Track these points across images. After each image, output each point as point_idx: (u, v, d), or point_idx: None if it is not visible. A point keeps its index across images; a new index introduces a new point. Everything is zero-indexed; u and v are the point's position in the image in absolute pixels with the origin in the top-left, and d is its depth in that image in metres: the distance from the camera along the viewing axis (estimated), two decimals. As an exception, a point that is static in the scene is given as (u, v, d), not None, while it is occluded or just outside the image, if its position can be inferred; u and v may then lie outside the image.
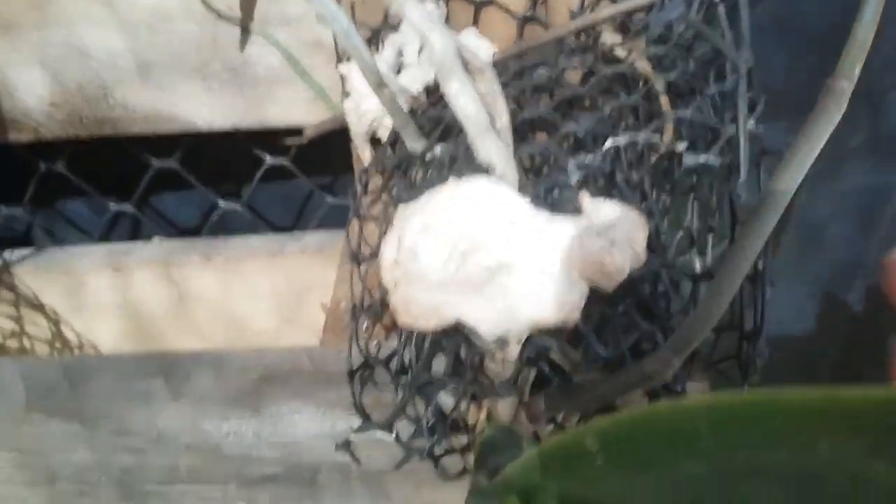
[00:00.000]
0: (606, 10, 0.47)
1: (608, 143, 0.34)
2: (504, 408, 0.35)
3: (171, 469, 0.44)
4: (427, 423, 0.36)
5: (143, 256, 0.63)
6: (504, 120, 0.35)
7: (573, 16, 0.49)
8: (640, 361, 0.30)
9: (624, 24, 0.47)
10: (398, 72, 0.51)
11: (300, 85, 0.56)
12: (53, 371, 0.44)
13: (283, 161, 0.63)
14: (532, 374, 0.36)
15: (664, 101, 0.40)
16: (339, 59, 0.53)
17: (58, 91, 0.55)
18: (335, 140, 0.59)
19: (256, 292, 0.63)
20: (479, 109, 0.34)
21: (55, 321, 0.65)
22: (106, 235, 0.68)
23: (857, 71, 0.30)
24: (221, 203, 0.65)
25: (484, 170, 0.34)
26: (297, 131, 0.58)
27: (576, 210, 0.34)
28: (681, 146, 0.33)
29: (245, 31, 0.54)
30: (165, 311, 0.63)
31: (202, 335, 0.63)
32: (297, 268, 0.64)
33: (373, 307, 0.42)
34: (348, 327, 0.42)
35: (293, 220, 0.69)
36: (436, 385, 0.35)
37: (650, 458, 0.25)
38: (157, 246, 0.65)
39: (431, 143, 0.42)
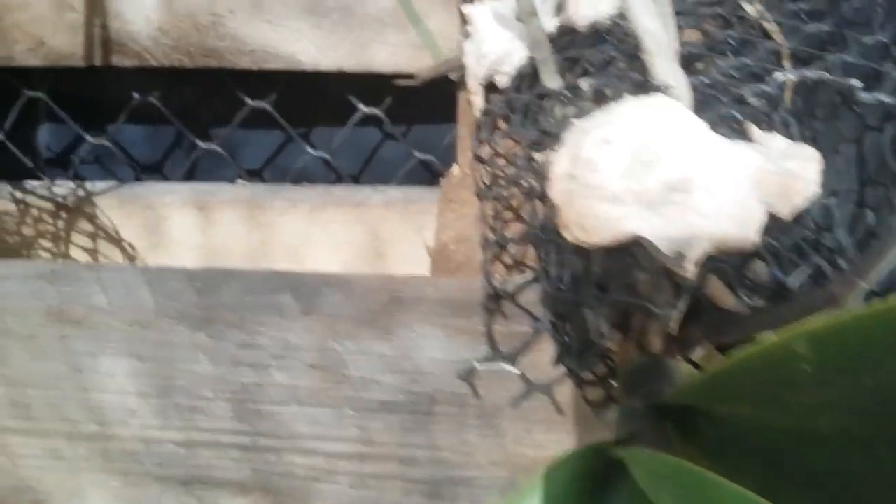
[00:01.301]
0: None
1: (779, 76, 0.34)
2: (656, 335, 0.35)
3: (291, 389, 0.43)
4: (575, 345, 0.36)
5: (228, 197, 0.62)
6: (676, 45, 0.35)
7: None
8: (823, 285, 0.30)
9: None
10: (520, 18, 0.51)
11: (410, 30, 0.56)
12: (180, 279, 0.43)
13: (376, 111, 0.63)
14: (687, 301, 0.35)
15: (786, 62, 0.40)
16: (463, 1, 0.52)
17: (168, 16, 0.55)
18: (429, 92, 0.58)
19: (337, 242, 0.63)
20: (662, 26, 0.33)
21: (131, 257, 0.64)
22: (187, 174, 0.67)
23: None
24: (310, 149, 0.65)
25: (654, 89, 0.34)
26: (398, 78, 0.58)
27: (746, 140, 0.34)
28: (856, 83, 0.33)
29: (361, -30, 0.54)
30: (244, 255, 0.63)
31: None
32: (378, 221, 0.64)
33: (499, 242, 0.42)
34: (482, 261, 0.42)
35: (378, 173, 0.68)
36: (591, 303, 0.34)
37: (874, 358, 0.24)
38: (243, 188, 0.64)
39: (573, 80, 0.42)
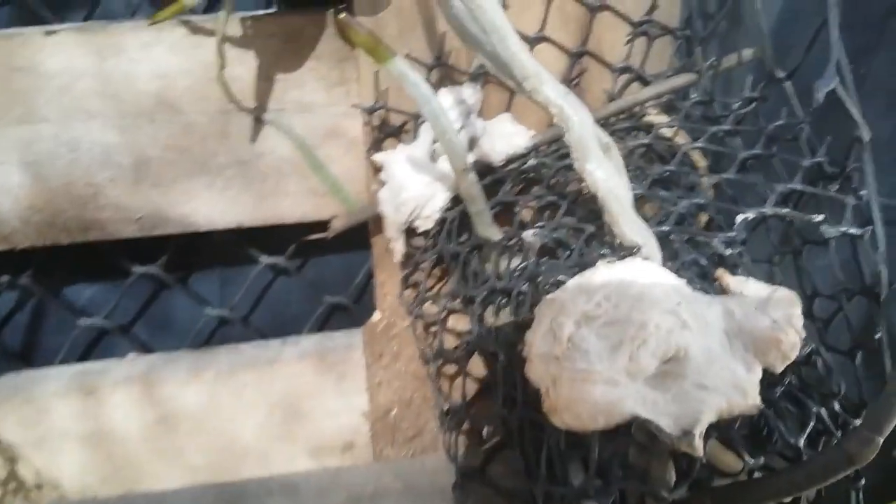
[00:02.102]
0: (648, 91, 0.47)
1: (746, 216, 0.33)
2: None
3: None
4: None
5: (118, 375, 0.56)
6: (630, 197, 0.33)
7: (610, 97, 0.49)
8: (836, 444, 0.28)
9: (670, 105, 0.47)
10: (433, 159, 0.49)
11: (312, 178, 0.53)
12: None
13: (279, 261, 0.59)
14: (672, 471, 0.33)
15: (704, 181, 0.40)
16: (371, 148, 0.50)
17: (39, 191, 0.49)
18: (335, 237, 0.55)
19: (249, 405, 0.57)
20: (621, 185, 0.32)
21: (10, 458, 0.56)
22: (75, 354, 0.60)
23: None
24: (209, 310, 0.60)
25: (622, 251, 0.32)
26: (302, 228, 0.54)
27: (719, 290, 0.33)
28: (818, 218, 0.32)
29: (258, 121, 0.51)
30: (141, 437, 0.56)
31: (183, 461, 0.56)
32: (293, 376, 0.59)
33: (459, 413, 0.39)
34: (444, 438, 0.38)
35: (286, 324, 0.63)
36: (592, 495, 0.31)
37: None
38: (136, 363, 0.58)
39: (513, 233, 0.40)
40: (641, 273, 0.30)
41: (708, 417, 0.29)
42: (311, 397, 0.60)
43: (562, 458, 0.32)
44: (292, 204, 0.54)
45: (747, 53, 0.45)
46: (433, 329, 0.45)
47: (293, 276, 0.60)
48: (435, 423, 0.43)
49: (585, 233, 0.35)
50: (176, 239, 0.55)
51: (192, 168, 0.52)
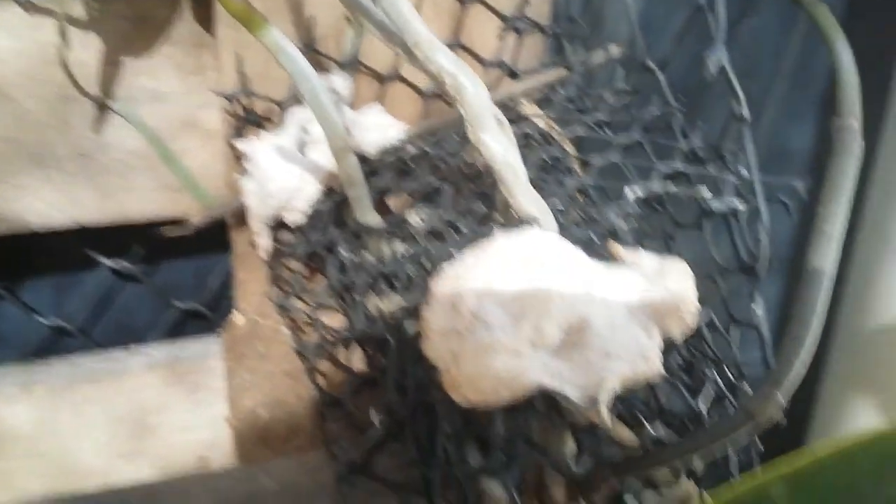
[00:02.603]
0: (521, 85, 0.48)
1: (638, 192, 0.33)
2: (557, 487, 0.32)
3: None
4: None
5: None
6: (524, 171, 0.33)
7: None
8: (741, 403, 0.29)
9: (543, 99, 0.47)
10: (301, 149, 0.47)
11: (164, 172, 0.49)
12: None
13: (124, 264, 0.54)
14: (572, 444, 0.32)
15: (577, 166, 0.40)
16: (232, 138, 0.47)
17: None
18: (187, 238, 0.52)
19: (91, 423, 0.52)
20: (516, 158, 0.31)
21: None
22: None
23: (858, 108, 0.32)
24: (43, 320, 0.54)
25: (519, 222, 0.32)
26: (151, 227, 0.50)
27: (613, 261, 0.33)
28: (706, 193, 0.33)
29: (103, 110, 0.46)
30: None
31: (14, 487, 0.50)
32: (141, 389, 0.55)
33: (340, 406, 0.37)
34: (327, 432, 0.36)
35: (132, 334, 0.58)
36: (491, 471, 0.30)
37: (849, 492, 0.23)
38: (-45, 380, 0.51)
39: (396, 218, 0.38)
40: (541, 243, 0.30)
41: (613, 385, 0.28)
42: (161, 411, 0.55)
43: (459, 441, 0.31)
44: (140, 200, 0.50)
45: (615, 50, 0.46)
46: (307, 323, 0.43)
47: (140, 282, 0.55)
48: (312, 421, 0.40)
49: (477, 213, 0.35)
50: (5, 241, 0.49)
51: (26, 161, 0.46)
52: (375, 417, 0.34)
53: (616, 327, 0.29)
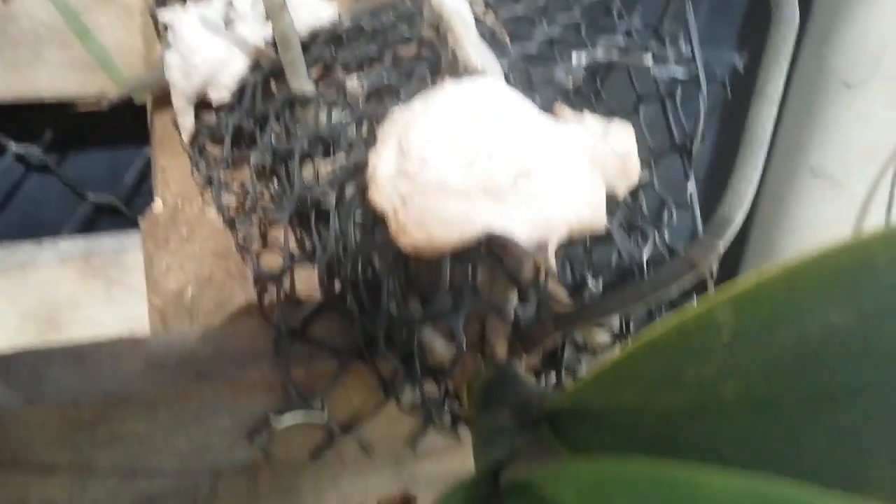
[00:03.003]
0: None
1: (582, 58, 0.33)
2: (498, 341, 0.32)
3: None
4: (412, 373, 0.31)
5: None
6: (474, 24, 0.32)
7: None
8: (683, 252, 0.29)
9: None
10: (228, 25, 0.45)
11: (77, 47, 0.46)
12: None
13: (34, 152, 0.51)
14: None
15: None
16: (153, 8, 0.44)
17: None
18: (99, 122, 0.49)
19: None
20: (466, 9, 0.30)
21: None
22: None
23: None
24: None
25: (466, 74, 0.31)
26: (63, 105, 0.47)
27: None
28: (648, 59, 0.33)
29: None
30: None
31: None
32: (52, 283, 0.52)
33: (275, 274, 0.36)
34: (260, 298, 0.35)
35: (41, 227, 0.55)
36: (435, 317, 0.29)
37: (791, 314, 0.24)
38: None
39: (333, 82, 0.37)
40: (491, 92, 0.29)
41: (561, 231, 0.28)
42: (75, 307, 0.53)
43: (402, 295, 0.30)
44: (51, 77, 0.47)
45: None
46: (236, 203, 0.41)
47: (51, 172, 0.52)
48: (243, 294, 0.39)
49: (421, 76, 0.34)
50: None
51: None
52: (315, 283, 0.33)
53: (563, 178, 0.29)
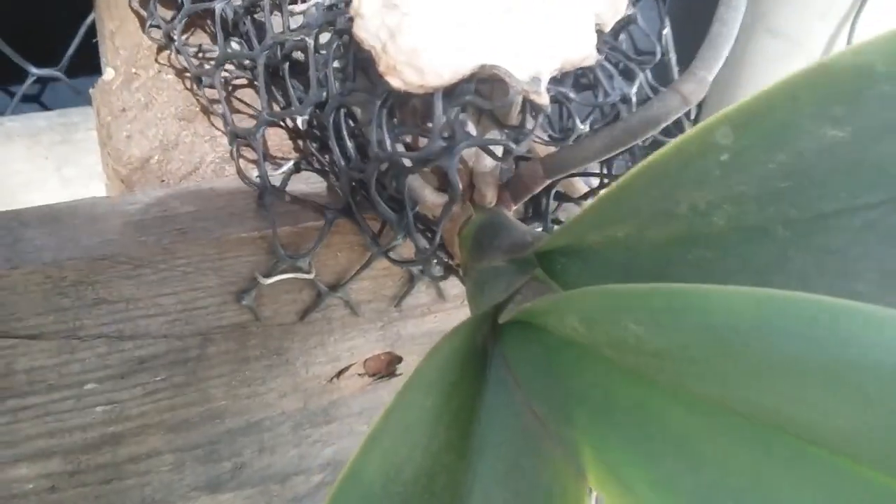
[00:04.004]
0: None
1: None
2: (488, 188, 0.32)
3: (4, 377, 0.30)
4: (404, 222, 0.30)
5: None
6: None
7: None
8: (669, 88, 0.29)
9: None
10: None
11: None
12: None
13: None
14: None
15: None
16: None
17: None
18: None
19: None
20: None
21: None
22: None
23: None
24: None
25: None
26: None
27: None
28: None
29: None
30: None
31: None
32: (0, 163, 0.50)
33: (251, 130, 0.34)
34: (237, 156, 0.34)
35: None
36: (408, 165, 0.29)
37: (789, 131, 0.24)
38: None
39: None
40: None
41: (554, 64, 0.28)
42: (26, 189, 0.51)
43: (389, 142, 0.30)
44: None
45: None
46: (199, 60, 0.39)
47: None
48: (215, 154, 0.38)
49: None
50: None
51: None
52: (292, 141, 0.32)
53: (553, 11, 0.28)
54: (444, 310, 0.40)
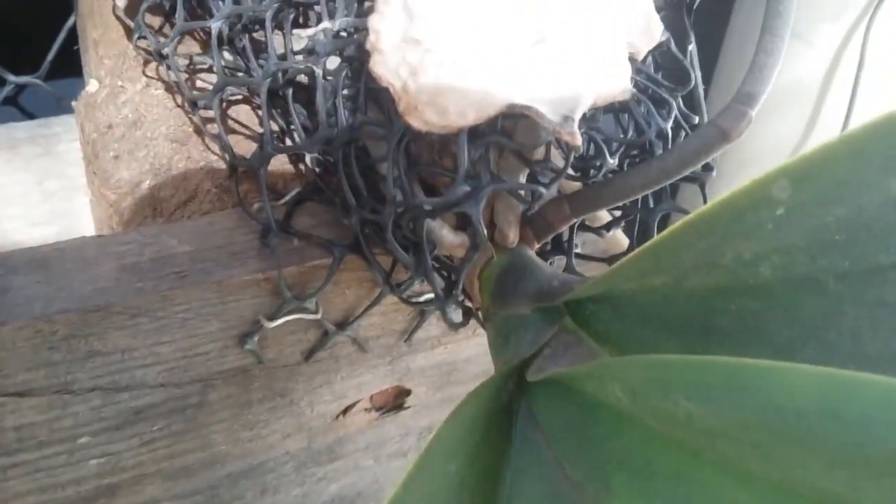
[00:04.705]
0: None
1: None
2: (509, 226, 0.29)
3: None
4: (420, 265, 0.28)
5: None
6: None
7: None
8: (707, 123, 0.27)
9: None
10: None
11: None
12: None
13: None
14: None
15: None
16: None
17: None
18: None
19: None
20: None
21: None
22: None
23: None
24: None
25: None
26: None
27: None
28: None
29: None
30: None
31: None
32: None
33: (254, 159, 0.32)
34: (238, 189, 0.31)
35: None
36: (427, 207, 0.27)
37: (850, 186, 0.22)
38: None
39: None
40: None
41: (587, 101, 0.26)
42: (6, 203, 0.48)
43: (407, 181, 0.27)
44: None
45: None
46: (190, 75, 0.37)
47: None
48: (211, 183, 0.36)
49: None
50: None
51: None
52: (296, 169, 0.30)
53: (585, 43, 0.26)
54: (455, 340, 0.38)
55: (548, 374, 0.26)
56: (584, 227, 0.34)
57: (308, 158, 0.30)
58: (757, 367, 0.21)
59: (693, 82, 0.32)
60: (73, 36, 0.47)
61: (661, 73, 0.34)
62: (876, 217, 0.23)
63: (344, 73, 0.29)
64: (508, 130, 0.28)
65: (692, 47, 0.34)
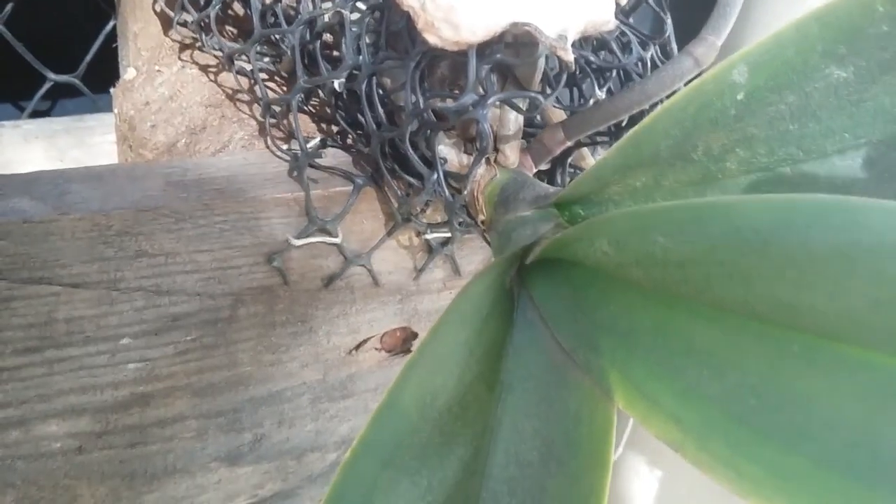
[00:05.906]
0: None
1: None
2: (511, 150, 0.34)
3: (40, 327, 0.31)
4: (430, 180, 0.32)
5: None
6: None
7: None
8: (681, 52, 0.32)
9: None
10: None
11: None
12: None
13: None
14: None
15: None
16: None
17: None
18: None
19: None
20: None
21: None
22: None
23: None
24: None
25: None
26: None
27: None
28: None
29: None
30: None
31: None
32: (16, 164, 0.51)
33: (285, 100, 0.36)
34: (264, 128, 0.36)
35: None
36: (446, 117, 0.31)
37: (797, 71, 0.27)
38: None
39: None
40: None
41: (579, 23, 0.30)
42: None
43: (422, 102, 0.32)
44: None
45: None
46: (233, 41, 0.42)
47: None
48: (243, 133, 0.40)
49: None
50: None
51: None
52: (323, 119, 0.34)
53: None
54: (459, 285, 0.41)
55: (545, 247, 0.29)
56: (577, 170, 0.39)
57: (337, 84, 0.34)
58: (721, 201, 0.25)
59: (666, 32, 0.36)
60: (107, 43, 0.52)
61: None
62: (822, 105, 0.28)
63: (367, 20, 0.34)
64: (515, 49, 0.33)
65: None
